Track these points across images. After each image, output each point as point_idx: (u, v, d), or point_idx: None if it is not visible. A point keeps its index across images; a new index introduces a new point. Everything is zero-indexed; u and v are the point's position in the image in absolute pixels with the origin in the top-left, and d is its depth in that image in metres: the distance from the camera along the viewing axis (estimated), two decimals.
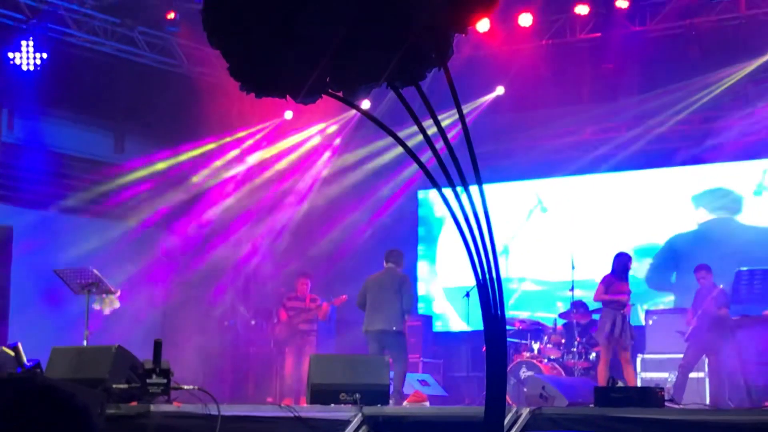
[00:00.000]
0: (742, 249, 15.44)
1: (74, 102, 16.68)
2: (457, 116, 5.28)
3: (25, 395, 2.96)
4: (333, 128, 18.37)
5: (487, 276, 4.48)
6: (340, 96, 4.44)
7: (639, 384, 13.84)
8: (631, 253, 14.44)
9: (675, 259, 16.60)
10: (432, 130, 5.31)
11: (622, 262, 14.10)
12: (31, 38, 15.56)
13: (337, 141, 18.43)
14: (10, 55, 15.52)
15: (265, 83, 4.37)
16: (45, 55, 15.61)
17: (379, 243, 17.78)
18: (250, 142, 18.38)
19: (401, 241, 18.03)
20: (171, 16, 16.38)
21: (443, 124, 5.45)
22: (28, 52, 15.58)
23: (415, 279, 18.02)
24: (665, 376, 14.12)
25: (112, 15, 16.35)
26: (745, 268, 14.23)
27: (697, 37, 15.47)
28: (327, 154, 18.48)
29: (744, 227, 16.28)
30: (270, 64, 4.30)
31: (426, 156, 5.62)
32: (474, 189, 5.01)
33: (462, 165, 5.30)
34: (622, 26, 15.80)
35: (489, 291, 4.35)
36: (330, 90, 4.40)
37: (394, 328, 13.49)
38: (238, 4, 4.31)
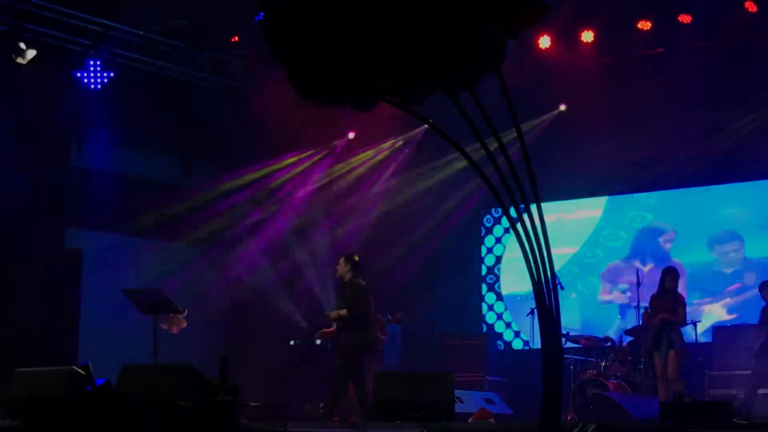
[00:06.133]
0: None
1: (141, 126, 16.94)
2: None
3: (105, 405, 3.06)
4: (397, 146, 18.46)
5: (544, 285, 4.52)
6: (397, 102, 4.50)
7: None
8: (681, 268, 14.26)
9: None
10: (493, 146, 5.36)
11: (663, 279, 14.04)
12: (98, 62, 15.90)
13: (399, 156, 18.52)
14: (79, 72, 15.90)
15: (323, 90, 4.45)
16: (112, 69, 15.93)
17: (442, 259, 17.84)
18: (315, 160, 18.56)
19: (464, 257, 18.10)
20: (236, 39, 16.60)
21: (504, 141, 5.50)
22: (95, 71, 15.91)
23: (479, 295, 18.09)
24: (733, 393, 13.96)
25: (178, 39, 16.60)
26: None
27: (761, 51, 15.35)
28: (390, 172, 18.56)
29: None
30: (328, 72, 4.38)
31: (488, 171, 5.68)
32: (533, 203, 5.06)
33: (524, 181, 5.35)
34: (685, 41, 15.72)
35: (545, 297, 4.40)
36: (387, 96, 4.47)
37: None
38: (298, 14, 4.39)
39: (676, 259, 16.44)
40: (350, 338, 13.15)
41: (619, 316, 16.80)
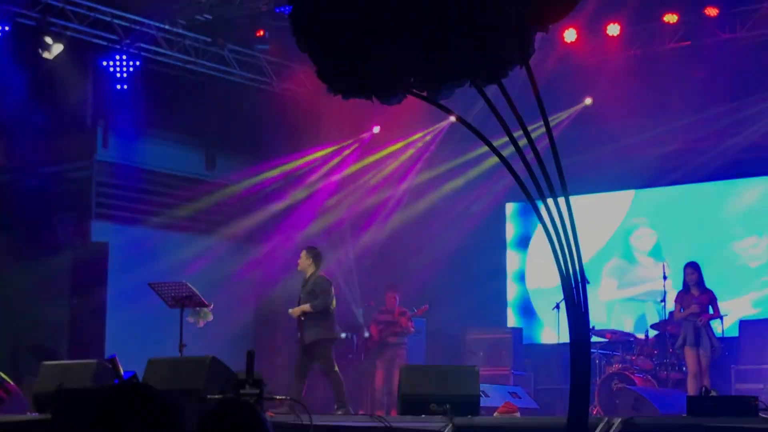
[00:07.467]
0: None
1: (166, 120, 17.00)
2: (544, 128, 5.30)
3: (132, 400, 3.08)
4: (422, 141, 18.44)
5: (572, 277, 4.50)
6: (425, 96, 4.49)
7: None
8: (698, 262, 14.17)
9: None
10: (522, 142, 5.34)
11: (683, 275, 13.94)
12: (123, 56, 15.98)
13: (424, 151, 18.49)
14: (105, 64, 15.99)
15: (351, 84, 4.44)
16: (138, 63, 16.01)
17: (468, 253, 17.80)
18: (339, 158, 18.55)
19: (490, 251, 18.06)
20: (260, 33, 16.62)
21: (531, 135, 5.48)
22: (121, 64, 15.99)
23: (504, 289, 18.07)
24: (760, 387, 13.89)
25: (203, 34, 16.65)
26: None
27: None
28: (415, 165, 18.53)
29: None
30: (356, 66, 4.37)
31: (514, 164, 5.66)
32: (561, 197, 5.04)
33: (550, 174, 5.33)
34: (711, 34, 15.64)
35: (574, 291, 4.38)
36: (414, 90, 4.46)
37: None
38: (325, 8, 4.39)
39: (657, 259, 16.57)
40: (314, 333, 12.72)
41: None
